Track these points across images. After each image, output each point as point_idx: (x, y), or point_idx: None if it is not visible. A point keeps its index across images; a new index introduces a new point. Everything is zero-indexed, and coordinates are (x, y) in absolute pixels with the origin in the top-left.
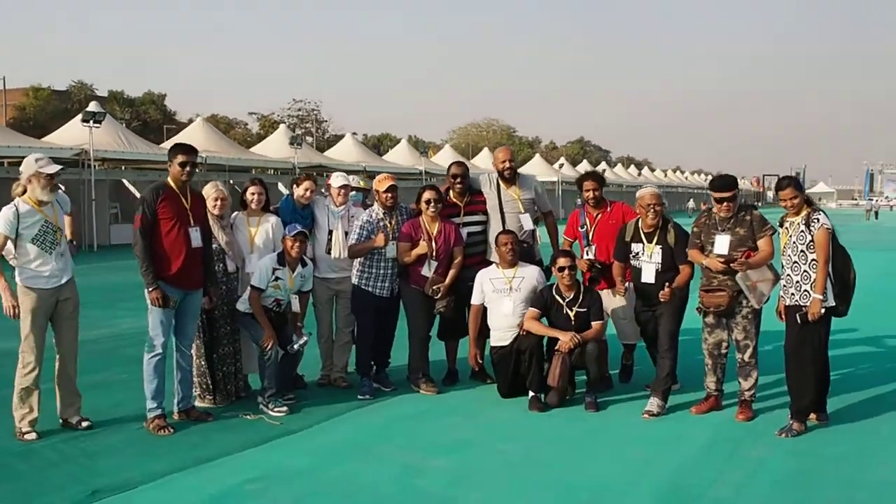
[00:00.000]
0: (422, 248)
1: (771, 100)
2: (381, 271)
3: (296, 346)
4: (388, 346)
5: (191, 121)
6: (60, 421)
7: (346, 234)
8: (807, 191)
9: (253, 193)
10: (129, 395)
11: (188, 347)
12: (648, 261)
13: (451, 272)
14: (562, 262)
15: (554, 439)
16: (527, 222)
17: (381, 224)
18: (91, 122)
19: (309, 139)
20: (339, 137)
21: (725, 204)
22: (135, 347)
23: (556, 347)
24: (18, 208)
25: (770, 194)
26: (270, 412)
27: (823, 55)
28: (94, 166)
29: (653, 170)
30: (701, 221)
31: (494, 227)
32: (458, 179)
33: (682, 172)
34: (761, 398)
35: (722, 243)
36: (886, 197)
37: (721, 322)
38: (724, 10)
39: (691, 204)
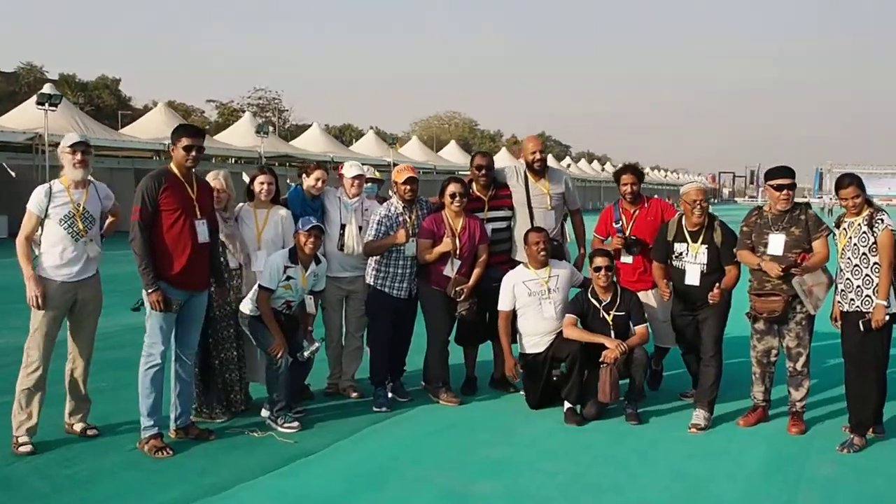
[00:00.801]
0: (445, 245)
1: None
2: (400, 270)
3: (306, 354)
4: (404, 353)
5: (146, 107)
6: (66, 426)
7: (360, 228)
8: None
9: (262, 183)
10: (114, 406)
11: (190, 357)
12: (693, 261)
13: (476, 272)
14: (599, 261)
15: (602, 458)
16: (549, 221)
17: (401, 219)
18: (46, 104)
19: (270, 128)
20: (300, 127)
21: (785, 192)
22: (114, 351)
23: (602, 359)
24: (52, 187)
25: (726, 191)
26: (280, 428)
27: (776, 52)
28: (48, 152)
29: (614, 165)
30: (752, 220)
31: (521, 224)
32: (483, 171)
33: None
34: (809, 408)
35: (776, 244)
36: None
37: (772, 328)
38: (679, 6)
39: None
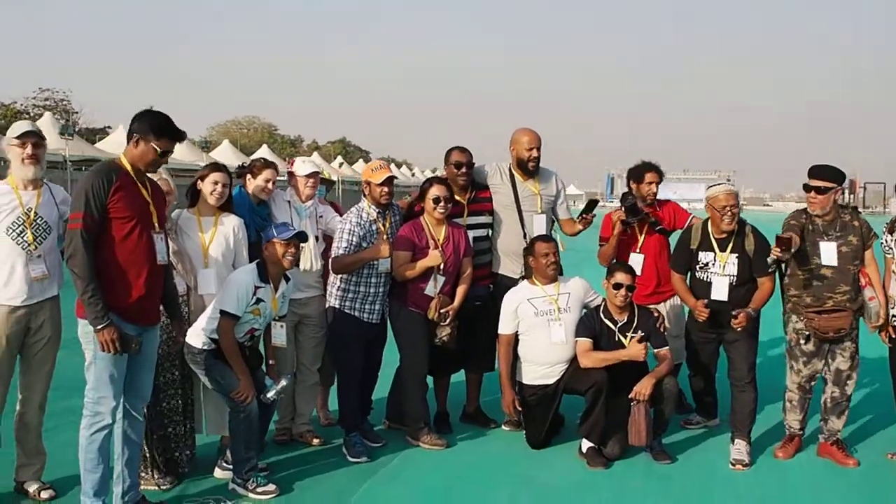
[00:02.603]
0: (432, 258)
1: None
2: (372, 290)
3: (271, 395)
4: (372, 388)
5: None
6: (15, 484)
7: (317, 238)
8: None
9: (216, 183)
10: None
11: (141, 411)
12: (720, 273)
13: (461, 290)
14: (620, 277)
15: None
16: (540, 225)
17: (374, 227)
18: None
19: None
20: (92, 130)
21: (812, 194)
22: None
23: (633, 395)
24: None
25: None
26: (253, 494)
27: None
28: None
29: (411, 170)
30: (802, 220)
31: (507, 231)
32: (464, 169)
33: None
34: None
35: (829, 253)
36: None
37: (822, 349)
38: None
39: None
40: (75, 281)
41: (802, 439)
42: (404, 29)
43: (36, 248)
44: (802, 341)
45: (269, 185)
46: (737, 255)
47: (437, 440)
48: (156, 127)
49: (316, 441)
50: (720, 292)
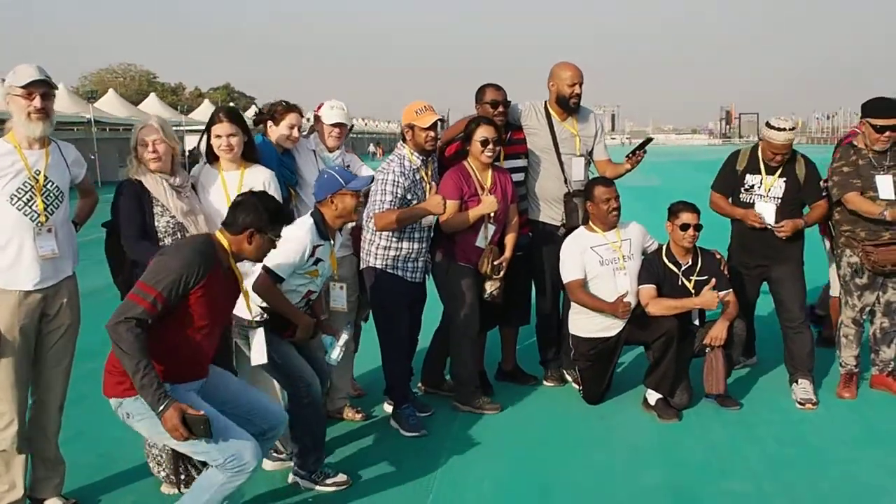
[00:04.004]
0: (489, 204)
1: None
2: (416, 245)
3: (335, 355)
4: (413, 354)
5: None
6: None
7: None
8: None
9: (219, 136)
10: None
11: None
12: (765, 196)
13: (510, 238)
14: (686, 217)
15: (775, 464)
16: (579, 169)
17: (418, 177)
18: None
19: None
20: None
21: (888, 133)
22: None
23: (709, 341)
24: None
25: None
26: (322, 487)
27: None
28: None
29: (304, 116)
30: (852, 158)
31: (546, 175)
32: (500, 108)
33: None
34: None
35: (886, 186)
36: None
37: (876, 282)
38: None
39: (371, 148)
40: (119, 355)
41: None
42: None
43: (46, 219)
44: (857, 275)
45: (295, 133)
46: (785, 179)
47: (491, 404)
48: (273, 215)
49: (358, 416)
50: (766, 216)
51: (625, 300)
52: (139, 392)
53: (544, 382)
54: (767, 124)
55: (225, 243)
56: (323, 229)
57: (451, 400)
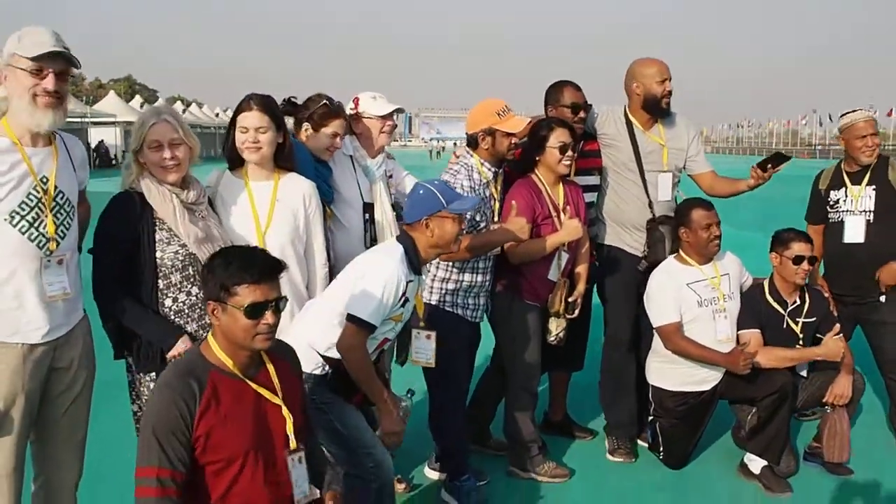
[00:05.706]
0: (573, 230)
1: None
2: (479, 277)
3: (405, 404)
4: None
5: None
6: None
7: (393, 208)
8: None
9: (245, 130)
10: None
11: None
12: (853, 210)
13: (582, 269)
14: (799, 247)
15: None
16: (665, 187)
17: (488, 193)
18: None
19: None
20: None
21: None
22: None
23: (832, 399)
24: None
25: None
26: None
27: None
28: None
29: (201, 107)
30: None
31: (625, 195)
32: (581, 113)
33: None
34: None
35: None
36: (431, 139)
37: None
38: None
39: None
40: None
41: None
42: None
43: (57, 245)
44: None
45: (338, 142)
46: (874, 187)
47: (558, 470)
48: (246, 268)
49: (401, 487)
50: (854, 233)
51: (747, 350)
52: None
53: (608, 456)
54: (841, 117)
55: (214, 348)
56: (414, 260)
57: (505, 463)
